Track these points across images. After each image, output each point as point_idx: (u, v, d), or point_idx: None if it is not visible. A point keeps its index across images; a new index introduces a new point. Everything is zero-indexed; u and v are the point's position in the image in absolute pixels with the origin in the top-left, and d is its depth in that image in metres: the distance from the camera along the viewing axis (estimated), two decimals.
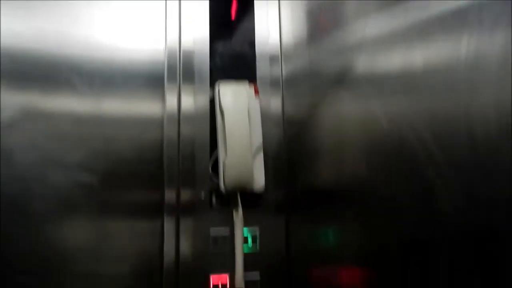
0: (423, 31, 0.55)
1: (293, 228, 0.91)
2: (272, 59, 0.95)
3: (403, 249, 0.63)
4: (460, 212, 0.49)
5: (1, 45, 0.77)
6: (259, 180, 0.85)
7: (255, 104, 0.87)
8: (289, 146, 0.93)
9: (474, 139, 0.45)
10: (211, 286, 0.85)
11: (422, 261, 0.57)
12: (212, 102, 0.88)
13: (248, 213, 0.87)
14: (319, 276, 0.86)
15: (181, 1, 0.92)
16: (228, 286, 0.86)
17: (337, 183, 0.84)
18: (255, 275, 0.88)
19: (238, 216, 0.84)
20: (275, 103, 0.94)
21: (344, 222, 0.81)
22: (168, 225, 0.85)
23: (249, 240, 0.88)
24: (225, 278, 0.86)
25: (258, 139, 0.86)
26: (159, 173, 0.85)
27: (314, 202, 0.88)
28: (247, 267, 0.84)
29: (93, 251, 0.80)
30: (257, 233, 0.89)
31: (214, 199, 0.87)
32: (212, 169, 0.87)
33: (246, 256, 0.84)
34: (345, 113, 0.75)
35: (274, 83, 0.94)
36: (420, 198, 0.57)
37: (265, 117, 0.91)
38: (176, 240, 0.85)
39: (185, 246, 0.85)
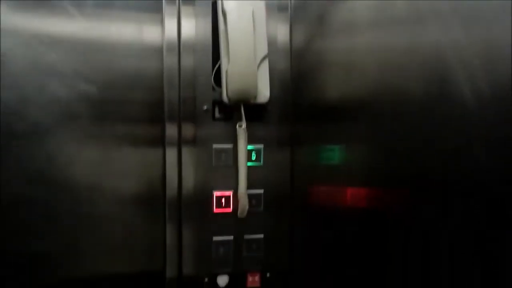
0: None
1: (298, 143, 0.88)
2: None
3: (413, 170, 0.58)
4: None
5: None
6: (263, 90, 0.81)
7: (261, 8, 0.80)
8: (296, 58, 0.88)
9: None
10: (215, 200, 0.84)
11: (432, 184, 0.54)
12: (214, 5, 0.81)
13: (252, 127, 0.84)
14: (323, 193, 0.84)
15: None
16: (231, 201, 0.84)
17: (345, 98, 0.79)
18: (259, 190, 0.86)
19: (242, 129, 0.80)
20: (282, 16, 0.87)
21: (351, 139, 0.77)
22: (170, 136, 0.82)
23: (253, 155, 0.86)
24: (228, 194, 0.84)
25: (263, 47, 0.80)
26: (159, 86, 0.80)
27: (321, 118, 0.84)
28: (250, 183, 0.82)
29: (93, 169, 0.78)
30: (261, 148, 0.86)
31: (217, 112, 0.83)
32: (215, 82, 0.82)
33: (249, 172, 0.82)
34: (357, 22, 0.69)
35: None
36: (436, 114, 0.52)
37: (272, 28, 0.85)
38: (179, 156, 0.83)
39: (188, 161, 0.83)
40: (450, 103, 0.50)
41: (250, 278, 0.87)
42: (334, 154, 0.83)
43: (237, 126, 0.81)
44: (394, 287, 0.68)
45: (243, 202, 0.81)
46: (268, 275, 0.88)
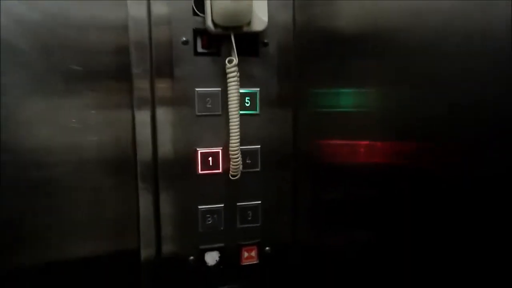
0: None
1: (303, 86, 0.70)
2: None
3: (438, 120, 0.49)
4: None
5: None
6: (260, 14, 0.62)
7: None
8: None
9: None
10: (200, 159, 0.66)
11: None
12: None
13: (246, 65, 0.65)
14: (332, 149, 0.68)
15: None
16: (221, 159, 0.67)
17: (363, 28, 0.61)
18: (255, 146, 0.69)
19: (233, 66, 0.62)
20: None
21: (368, 81, 0.60)
22: (139, 79, 0.63)
23: (247, 101, 0.67)
24: (217, 151, 0.67)
25: None
26: None
27: (333, 53, 0.66)
28: (244, 137, 0.65)
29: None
30: (257, 93, 0.68)
31: (199, 45, 0.64)
32: (196, 6, 0.63)
33: (243, 123, 0.64)
34: None
35: None
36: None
37: None
38: (152, 105, 0.64)
39: (163, 111, 0.65)
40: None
41: (245, 254, 0.71)
42: (347, 99, 0.66)
43: (226, 62, 0.62)
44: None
45: (236, 161, 0.64)
46: (267, 249, 0.73)
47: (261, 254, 0.72)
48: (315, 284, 0.72)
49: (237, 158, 0.63)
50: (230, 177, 0.66)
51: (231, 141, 0.63)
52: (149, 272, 0.67)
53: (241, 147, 0.64)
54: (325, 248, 0.71)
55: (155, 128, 0.65)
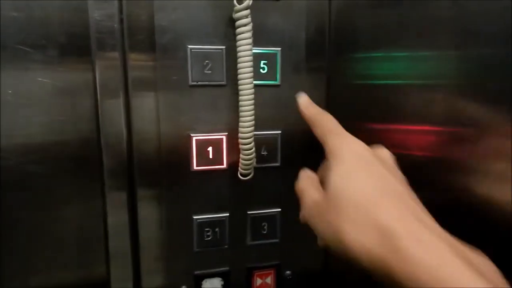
0: None
1: (339, 47, 0.50)
2: None
3: None
4: None
5: None
6: None
7: None
8: None
9: None
10: (195, 149, 0.45)
11: None
12: None
13: (262, 11, 0.45)
14: (369, 132, 0.48)
15: None
16: (225, 150, 0.46)
17: None
18: (274, 132, 0.48)
19: (244, 8, 0.41)
20: None
21: (428, 43, 0.40)
22: (104, 31, 0.42)
23: (263, 67, 0.47)
24: (220, 139, 0.46)
25: None
26: None
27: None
28: (259, 119, 0.44)
29: None
30: (277, 54, 0.47)
31: None
32: None
33: (258, 99, 0.43)
34: None
35: None
36: None
37: None
38: (124, 71, 0.43)
39: (142, 79, 0.44)
40: None
41: (258, 280, 0.51)
42: (403, 67, 0.46)
43: (234, 1, 0.41)
44: None
45: (248, 152, 0.43)
46: (287, 273, 0.53)
47: (279, 281, 0.52)
48: None
49: (250, 148, 0.43)
50: (239, 176, 0.46)
51: (241, 124, 0.42)
52: None
53: (256, 133, 0.44)
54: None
55: (129, 106, 0.44)
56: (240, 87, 0.42)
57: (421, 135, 0.43)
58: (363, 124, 0.48)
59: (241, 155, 0.43)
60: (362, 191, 0.28)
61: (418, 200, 0.29)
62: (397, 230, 0.25)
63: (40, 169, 0.42)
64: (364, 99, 0.49)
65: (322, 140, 0.34)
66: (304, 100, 0.42)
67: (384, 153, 0.33)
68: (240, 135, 0.42)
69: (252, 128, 0.42)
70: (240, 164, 0.44)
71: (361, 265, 0.27)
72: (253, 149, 0.43)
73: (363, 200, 0.27)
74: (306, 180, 0.35)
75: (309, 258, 0.53)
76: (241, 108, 0.42)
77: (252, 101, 0.42)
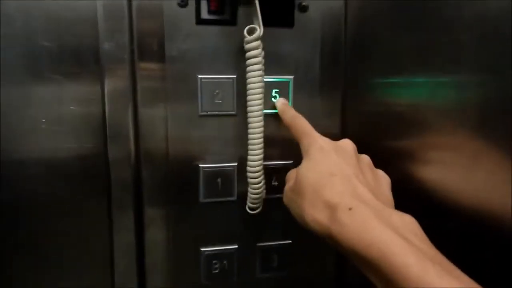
0: None
1: (355, 73, 0.48)
2: None
3: None
4: None
5: None
6: None
7: None
8: None
9: None
10: (202, 179, 0.44)
11: None
12: None
13: (275, 39, 0.43)
14: (387, 161, 0.46)
15: None
16: (235, 181, 0.45)
17: None
18: (285, 162, 0.47)
19: (256, 38, 0.39)
20: None
21: (450, 68, 0.38)
22: (114, 61, 0.41)
23: (276, 94, 0.45)
24: (230, 169, 0.45)
25: None
26: None
27: (399, 25, 0.44)
28: (270, 149, 0.43)
29: None
30: (290, 82, 0.46)
31: (204, 9, 0.42)
32: None
33: (269, 128, 0.42)
34: None
35: None
36: None
37: None
38: (134, 101, 0.43)
39: (152, 111, 0.43)
40: None
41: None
42: (422, 92, 0.44)
43: (245, 33, 0.40)
44: None
45: (257, 186, 0.42)
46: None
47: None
48: None
49: (259, 182, 0.41)
50: (248, 210, 0.44)
51: (250, 155, 0.41)
52: None
53: (265, 163, 0.42)
54: None
55: (137, 135, 0.43)
56: (249, 116, 0.41)
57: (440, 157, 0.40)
58: (377, 148, 0.46)
59: (249, 189, 0.42)
60: (316, 176, 0.34)
61: (367, 180, 0.34)
62: (336, 203, 0.30)
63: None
64: (383, 126, 0.47)
65: (298, 141, 0.39)
66: (281, 104, 0.44)
67: (345, 143, 0.37)
68: (248, 168, 0.41)
69: (261, 161, 0.40)
70: (248, 198, 0.43)
71: (318, 236, 0.32)
72: (263, 182, 0.42)
73: (316, 183, 0.33)
74: (289, 174, 0.39)
75: None
76: (250, 138, 0.41)
77: (261, 133, 0.40)
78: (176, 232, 0.46)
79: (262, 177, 0.41)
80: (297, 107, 0.46)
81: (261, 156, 0.40)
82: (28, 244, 0.42)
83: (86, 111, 0.41)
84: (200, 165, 0.44)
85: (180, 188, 0.45)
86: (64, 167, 0.42)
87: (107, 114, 0.41)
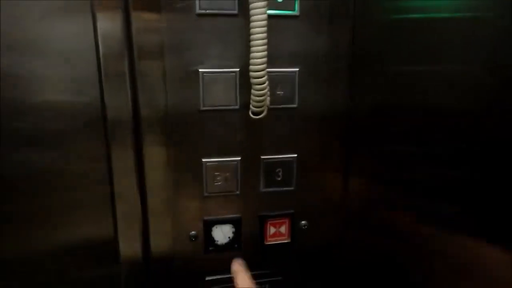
0: None
1: None
2: None
3: None
4: None
5: None
6: None
7: None
8: None
9: None
10: (202, 88, 0.42)
11: None
12: None
13: None
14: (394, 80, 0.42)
15: None
16: (237, 86, 0.42)
17: None
18: (290, 70, 0.44)
19: None
20: None
21: None
22: None
23: None
24: (231, 77, 0.42)
25: None
26: None
27: None
28: (275, 54, 0.39)
29: None
30: None
31: None
32: None
33: (273, 30, 0.38)
34: None
35: None
36: None
37: None
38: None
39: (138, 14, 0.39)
40: None
41: (271, 229, 0.49)
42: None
43: None
44: None
45: (260, 87, 0.39)
46: (302, 223, 0.50)
47: (294, 230, 0.49)
48: (368, 281, 0.49)
49: (262, 82, 0.38)
50: (251, 114, 0.42)
51: (253, 56, 0.38)
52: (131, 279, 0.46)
53: (269, 70, 0.39)
54: (388, 229, 0.47)
55: (131, 41, 0.40)
56: (252, 16, 0.37)
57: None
58: (390, 68, 0.43)
59: (252, 90, 0.39)
60: None
61: None
62: None
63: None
64: (395, 40, 0.43)
65: None
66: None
67: None
68: (251, 67, 0.38)
69: (264, 59, 0.37)
70: (251, 101, 0.40)
71: None
72: (266, 83, 0.39)
73: None
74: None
75: (326, 209, 0.50)
76: (253, 39, 0.37)
77: (265, 28, 0.37)
78: (176, 143, 0.44)
79: (265, 77, 0.38)
80: (303, 13, 0.42)
81: (265, 53, 0.37)
82: (27, 190, 0.40)
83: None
84: (200, 70, 0.41)
85: (179, 96, 0.42)
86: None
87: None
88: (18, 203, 0.40)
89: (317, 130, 0.46)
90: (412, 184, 0.44)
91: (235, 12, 0.41)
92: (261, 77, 0.37)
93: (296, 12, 0.42)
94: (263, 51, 0.37)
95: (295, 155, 0.47)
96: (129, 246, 0.45)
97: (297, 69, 0.44)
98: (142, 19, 0.39)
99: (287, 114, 0.45)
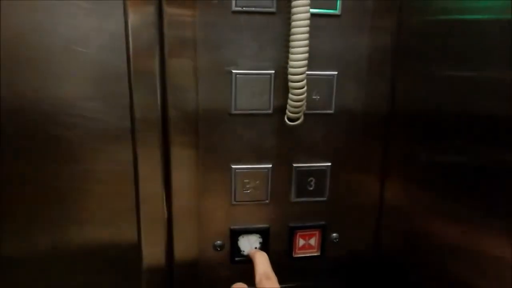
0: None
1: None
2: None
3: None
4: None
5: None
6: None
7: None
8: None
9: None
10: (234, 92, 0.39)
11: None
12: None
13: None
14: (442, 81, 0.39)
15: None
16: (271, 90, 0.40)
17: None
18: (327, 73, 0.41)
19: None
20: None
21: None
22: None
23: None
24: (265, 79, 0.39)
25: None
26: None
27: None
28: (311, 56, 0.36)
29: None
30: None
31: None
32: None
33: (315, 29, 0.35)
34: None
35: None
36: None
37: None
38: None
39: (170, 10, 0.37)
40: None
41: (300, 241, 0.46)
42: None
43: None
44: None
45: (298, 92, 0.36)
46: (333, 236, 0.47)
47: (324, 243, 0.46)
48: None
49: (301, 87, 0.36)
50: (286, 120, 0.39)
51: (292, 58, 0.35)
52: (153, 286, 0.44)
53: (307, 73, 0.36)
54: (427, 242, 0.44)
55: (162, 30, 0.38)
56: (293, 13, 0.35)
57: None
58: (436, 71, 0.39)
59: (289, 95, 0.37)
60: None
61: None
62: None
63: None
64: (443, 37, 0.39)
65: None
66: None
67: None
68: (290, 70, 0.35)
69: (305, 62, 0.35)
70: (288, 106, 0.37)
71: None
72: (305, 88, 0.36)
73: None
74: None
75: (359, 221, 0.47)
76: (293, 37, 0.35)
77: (307, 28, 0.34)
78: (205, 148, 0.41)
79: (304, 81, 0.36)
80: (345, 12, 0.39)
81: (306, 55, 0.35)
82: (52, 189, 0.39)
83: None
84: (233, 71, 0.39)
85: (210, 98, 0.40)
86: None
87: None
88: (43, 204, 0.39)
89: (354, 137, 0.43)
90: (457, 195, 0.41)
91: (273, 10, 0.38)
92: (301, 81, 0.35)
93: (337, 11, 0.39)
94: (304, 53, 0.34)
95: (329, 164, 0.44)
96: (152, 251, 0.43)
97: (336, 73, 0.41)
98: (175, 13, 0.37)
99: (323, 120, 0.42)
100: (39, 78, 0.35)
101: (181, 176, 0.42)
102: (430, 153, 0.42)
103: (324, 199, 0.45)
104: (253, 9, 0.38)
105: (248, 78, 0.39)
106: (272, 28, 0.39)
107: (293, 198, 0.44)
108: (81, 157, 0.38)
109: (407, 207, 0.45)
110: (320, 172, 0.44)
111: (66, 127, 0.37)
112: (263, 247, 0.45)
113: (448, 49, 0.38)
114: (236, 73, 0.39)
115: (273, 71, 0.39)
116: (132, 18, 0.36)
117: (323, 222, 0.46)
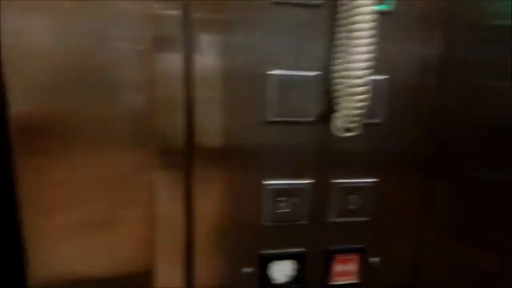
0: None
1: None
2: None
3: None
4: None
5: None
6: None
7: None
8: None
9: None
10: (271, 95, 0.33)
11: None
12: None
13: None
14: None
15: None
16: (315, 94, 0.34)
17: None
18: (380, 77, 0.35)
19: None
20: None
21: None
22: None
23: None
24: (309, 80, 0.34)
25: None
26: None
27: None
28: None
29: None
30: None
31: None
32: None
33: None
34: None
35: None
36: None
37: None
38: None
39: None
40: None
41: (337, 266, 0.40)
42: None
43: None
44: None
45: (360, 98, 0.31)
46: (373, 260, 0.41)
47: (364, 269, 0.41)
48: None
49: (366, 93, 0.30)
50: (341, 131, 0.33)
51: (354, 59, 0.29)
52: None
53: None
54: (474, 269, 0.39)
55: (189, 22, 0.32)
56: (356, 6, 0.29)
57: None
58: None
59: (349, 102, 0.31)
60: None
61: None
62: None
63: None
64: None
65: None
66: None
67: None
68: (351, 73, 0.30)
69: (370, 63, 0.29)
70: (345, 115, 0.32)
71: None
72: (369, 93, 0.30)
73: None
74: None
75: (403, 244, 0.41)
76: (357, 34, 0.29)
77: (373, 24, 0.28)
78: (233, 161, 0.35)
79: (369, 85, 0.30)
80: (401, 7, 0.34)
81: (371, 56, 0.29)
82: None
83: None
84: (268, 72, 0.33)
85: (241, 103, 0.34)
86: None
87: None
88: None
89: (403, 150, 0.38)
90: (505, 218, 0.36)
91: (318, 2, 0.33)
92: (365, 86, 0.29)
93: (391, 7, 0.34)
94: (369, 52, 0.28)
95: (374, 180, 0.38)
96: (168, 280, 0.37)
97: (388, 77, 0.35)
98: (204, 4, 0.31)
99: (369, 131, 0.37)
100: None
101: (205, 194, 0.36)
102: (478, 172, 0.37)
103: (367, 219, 0.39)
104: (295, 1, 0.32)
105: (287, 80, 0.34)
106: (316, 24, 0.33)
107: (331, 218, 0.39)
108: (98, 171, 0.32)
109: (452, 231, 0.40)
110: (363, 189, 0.38)
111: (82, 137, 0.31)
112: (297, 274, 0.39)
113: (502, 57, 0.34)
114: (273, 75, 0.33)
115: (319, 72, 0.34)
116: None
117: (362, 245, 0.40)
